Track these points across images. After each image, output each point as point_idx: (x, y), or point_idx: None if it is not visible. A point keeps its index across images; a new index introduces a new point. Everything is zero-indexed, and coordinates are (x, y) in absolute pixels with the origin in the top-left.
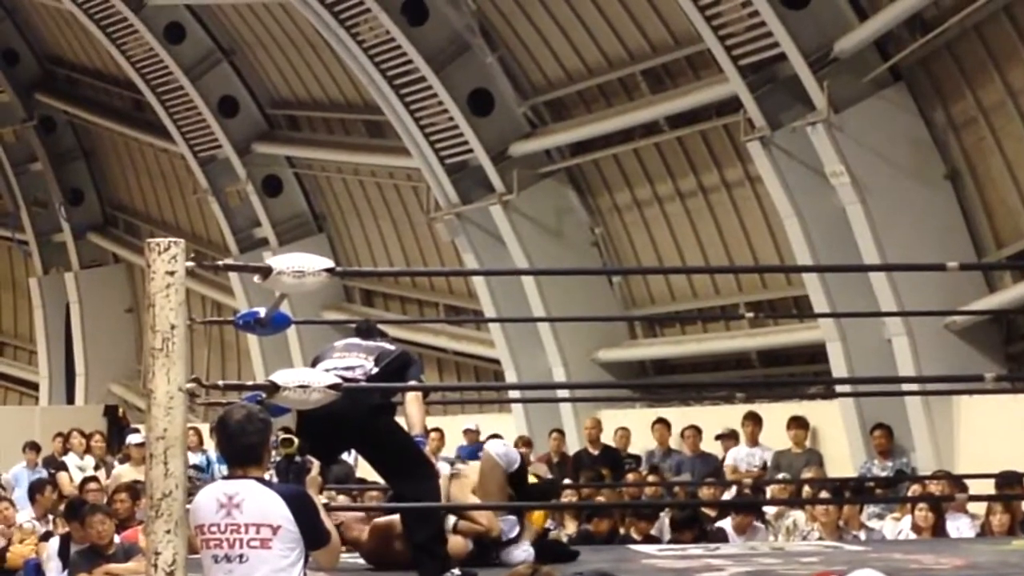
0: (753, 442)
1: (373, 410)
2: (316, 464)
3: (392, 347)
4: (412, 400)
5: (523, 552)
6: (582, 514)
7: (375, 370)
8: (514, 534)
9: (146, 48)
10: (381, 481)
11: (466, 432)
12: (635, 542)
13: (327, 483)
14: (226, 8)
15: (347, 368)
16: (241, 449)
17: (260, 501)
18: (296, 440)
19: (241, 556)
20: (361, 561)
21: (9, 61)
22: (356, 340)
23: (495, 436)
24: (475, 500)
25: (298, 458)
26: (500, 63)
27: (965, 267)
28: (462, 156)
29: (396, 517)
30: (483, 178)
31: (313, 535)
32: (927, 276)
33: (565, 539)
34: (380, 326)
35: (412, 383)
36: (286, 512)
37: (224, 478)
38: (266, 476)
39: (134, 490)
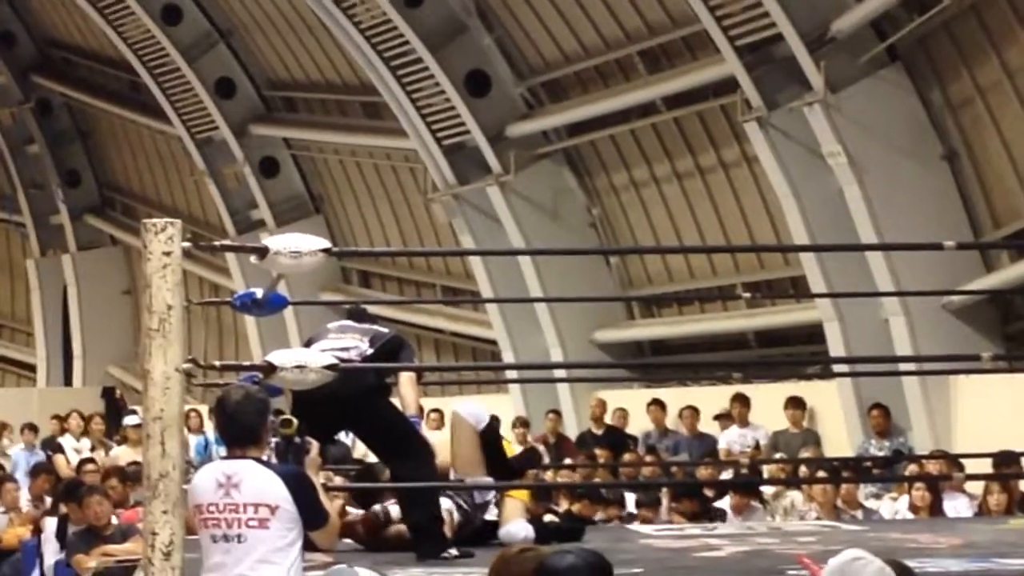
0: (743, 423)
1: (368, 391)
2: (315, 445)
3: (385, 330)
4: (406, 381)
5: (523, 531)
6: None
7: (370, 351)
8: (489, 497)
9: (143, 30)
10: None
11: None
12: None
13: (326, 464)
14: None
15: (343, 349)
16: (240, 429)
17: (258, 481)
18: (295, 421)
19: (239, 536)
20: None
21: (6, 43)
22: (350, 322)
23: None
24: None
25: (297, 439)
26: (497, 44)
27: (962, 246)
28: (459, 137)
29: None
30: (480, 159)
31: (311, 515)
32: (924, 256)
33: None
34: (378, 307)
35: (408, 363)
36: (284, 492)
37: (223, 458)
38: (265, 457)
39: (124, 473)
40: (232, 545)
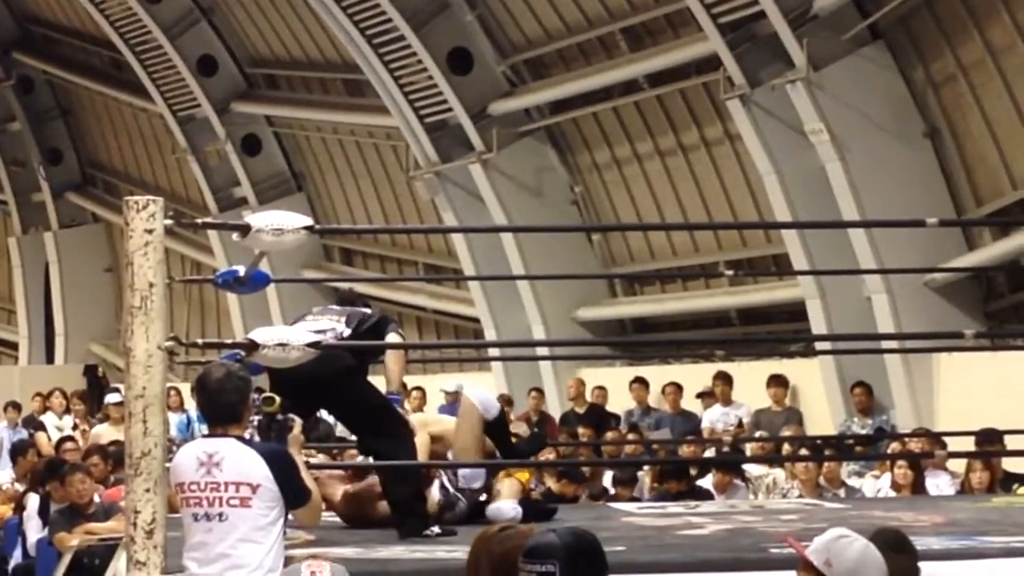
0: (726, 402)
1: (344, 372)
2: (298, 422)
3: (368, 310)
4: (391, 356)
5: (512, 510)
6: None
7: (346, 332)
8: (477, 484)
9: (125, 7)
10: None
11: (446, 393)
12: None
13: (308, 441)
14: None
15: (318, 331)
16: (221, 408)
17: (240, 460)
18: (278, 399)
19: (221, 515)
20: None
21: None
22: (332, 306)
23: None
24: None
25: (279, 416)
26: (479, 21)
27: (945, 223)
28: (441, 115)
29: (371, 482)
30: (462, 137)
31: (293, 494)
32: (907, 234)
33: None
34: (360, 284)
35: (390, 340)
36: (265, 471)
37: (204, 436)
38: (247, 435)
39: (106, 452)
40: (214, 524)
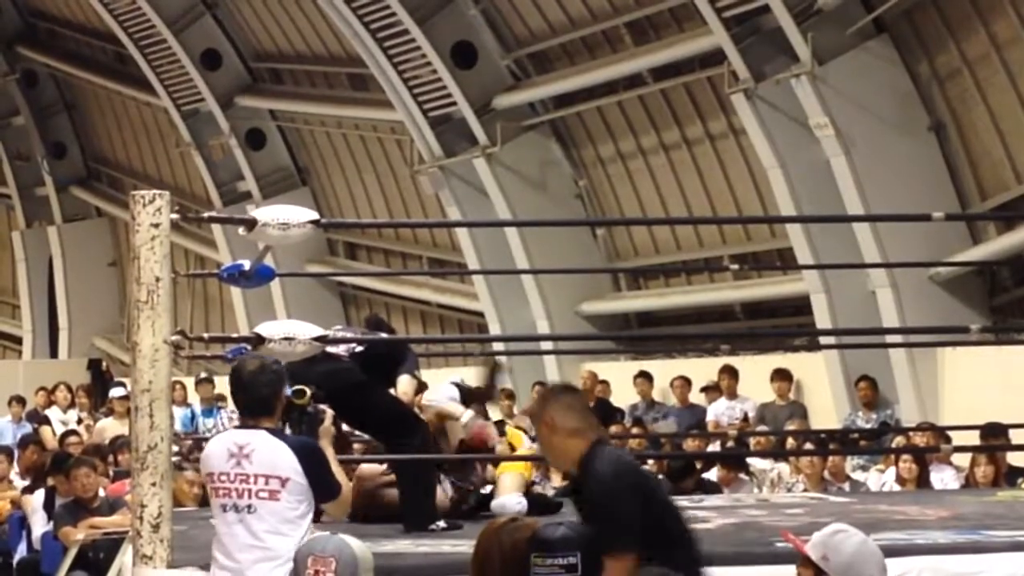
0: (732, 395)
1: (353, 388)
2: (329, 414)
3: (388, 336)
4: (403, 384)
5: (517, 504)
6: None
7: (358, 347)
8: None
9: (129, 1)
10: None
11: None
12: None
13: (339, 432)
14: None
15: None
16: (253, 400)
17: (270, 452)
18: (308, 391)
19: (250, 507)
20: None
21: None
22: (353, 327)
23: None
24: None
25: (310, 408)
26: (483, 15)
27: (951, 217)
28: (446, 109)
29: (374, 471)
30: (467, 131)
31: (323, 487)
32: (911, 228)
33: (551, 492)
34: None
35: (401, 380)
36: (295, 464)
37: (236, 427)
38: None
39: (101, 450)
40: (243, 515)
